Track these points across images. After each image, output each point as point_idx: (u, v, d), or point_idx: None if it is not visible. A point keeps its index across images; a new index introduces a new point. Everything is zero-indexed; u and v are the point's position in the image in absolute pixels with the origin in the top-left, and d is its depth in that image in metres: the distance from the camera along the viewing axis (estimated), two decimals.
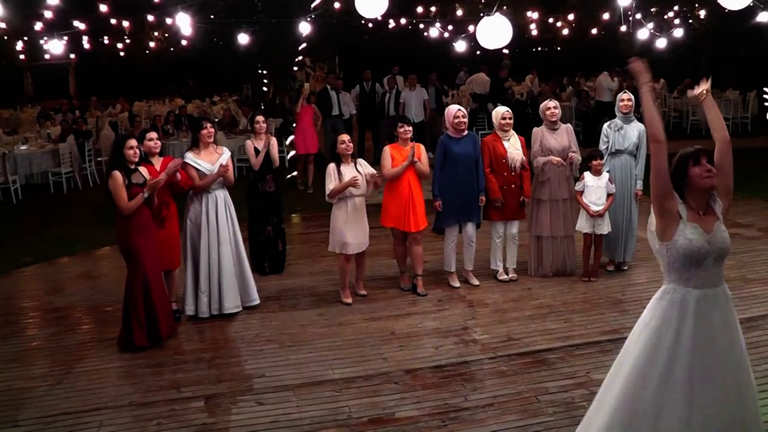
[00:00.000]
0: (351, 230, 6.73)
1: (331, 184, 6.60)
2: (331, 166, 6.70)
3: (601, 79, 16.55)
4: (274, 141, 7.67)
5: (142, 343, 5.90)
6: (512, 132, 7.29)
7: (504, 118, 7.21)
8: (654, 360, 3.42)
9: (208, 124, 6.76)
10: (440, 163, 7.00)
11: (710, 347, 3.36)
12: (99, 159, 14.09)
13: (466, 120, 7.06)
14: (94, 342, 6.25)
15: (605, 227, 7.16)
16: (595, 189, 7.08)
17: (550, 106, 7.29)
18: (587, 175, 7.14)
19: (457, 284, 7.23)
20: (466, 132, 7.06)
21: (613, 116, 7.43)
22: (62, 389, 5.36)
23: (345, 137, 6.81)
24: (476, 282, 7.29)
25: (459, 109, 7.09)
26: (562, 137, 7.24)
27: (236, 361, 5.77)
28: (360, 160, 6.88)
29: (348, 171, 6.66)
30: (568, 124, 7.53)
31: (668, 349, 3.39)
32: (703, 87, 3.71)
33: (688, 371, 3.36)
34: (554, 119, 7.24)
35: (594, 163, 7.12)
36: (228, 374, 5.53)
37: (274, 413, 4.90)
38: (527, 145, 7.38)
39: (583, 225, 7.18)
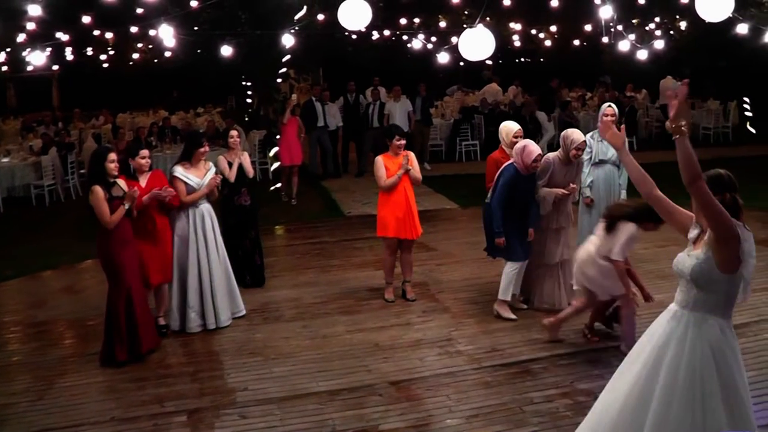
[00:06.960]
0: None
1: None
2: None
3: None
4: (246, 155, 7.57)
5: (122, 357, 5.85)
6: None
7: (516, 137, 6.81)
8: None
9: (207, 143, 6.82)
10: (502, 198, 6.43)
11: (661, 363, 3.38)
12: (82, 171, 13.91)
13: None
14: (76, 357, 6.19)
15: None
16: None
17: (581, 147, 6.52)
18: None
19: (511, 315, 6.62)
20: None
21: None
22: (44, 405, 5.29)
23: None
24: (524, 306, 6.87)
25: (539, 154, 6.40)
26: (571, 174, 6.66)
27: (219, 374, 5.73)
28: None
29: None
30: (582, 158, 6.84)
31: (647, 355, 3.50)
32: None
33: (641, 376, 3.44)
34: (576, 160, 6.60)
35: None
36: (211, 388, 5.49)
37: (258, 426, 4.87)
38: None
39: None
